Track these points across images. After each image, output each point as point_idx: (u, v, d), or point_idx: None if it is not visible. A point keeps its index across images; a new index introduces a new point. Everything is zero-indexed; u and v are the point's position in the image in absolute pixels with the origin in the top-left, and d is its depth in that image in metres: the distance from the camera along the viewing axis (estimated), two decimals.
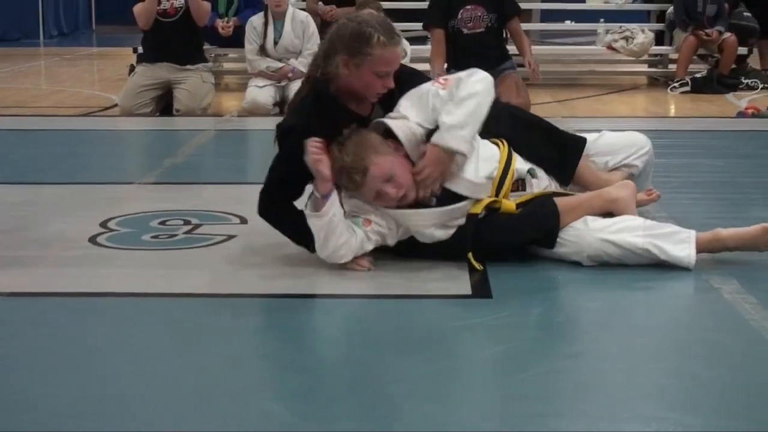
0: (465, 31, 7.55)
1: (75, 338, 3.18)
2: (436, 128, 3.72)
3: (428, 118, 3.76)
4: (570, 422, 2.55)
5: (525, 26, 11.05)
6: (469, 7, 7.48)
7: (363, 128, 3.75)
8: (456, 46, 7.58)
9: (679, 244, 3.72)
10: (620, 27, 10.46)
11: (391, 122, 3.74)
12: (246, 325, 3.32)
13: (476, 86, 3.79)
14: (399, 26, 8.74)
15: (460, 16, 7.52)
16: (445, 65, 7.61)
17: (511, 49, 7.85)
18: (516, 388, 2.76)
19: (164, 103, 8.36)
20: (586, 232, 3.75)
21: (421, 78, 3.95)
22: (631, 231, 3.73)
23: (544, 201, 3.79)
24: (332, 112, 3.74)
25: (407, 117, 3.75)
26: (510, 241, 3.78)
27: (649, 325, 3.30)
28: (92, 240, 4.26)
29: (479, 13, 7.47)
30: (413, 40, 9.69)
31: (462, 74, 3.83)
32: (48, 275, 3.82)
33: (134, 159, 6.93)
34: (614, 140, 4.30)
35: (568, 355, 3.01)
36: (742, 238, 3.80)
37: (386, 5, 8.71)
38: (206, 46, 9.18)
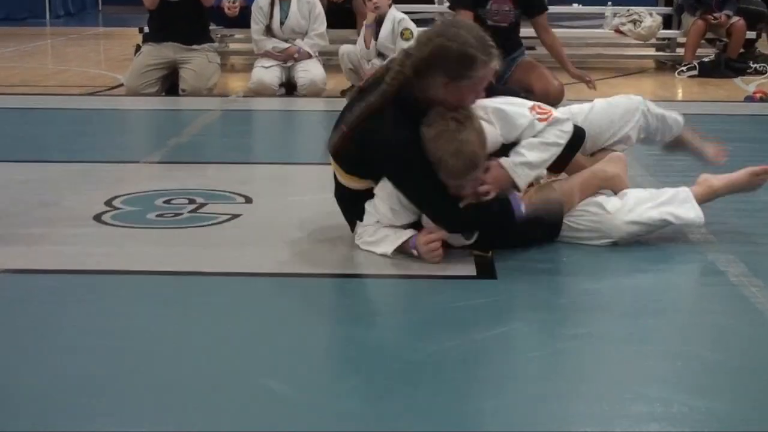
0: (489, 23, 7.52)
1: (78, 316, 3.17)
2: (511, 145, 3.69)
3: (510, 137, 3.68)
4: (572, 403, 2.55)
5: None
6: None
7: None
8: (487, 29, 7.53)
9: (683, 204, 3.83)
10: (628, 10, 10.41)
11: (486, 126, 3.64)
12: (250, 303, 3.32)
13: (563, 138, 3.71)
14: (404, 8, 8.78)
15: (488, 8, 7.48)
16: None
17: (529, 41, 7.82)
18: (519, 369, 2.76)
19: (170, 83, 8.34)
20: (607, 217, 3.75)
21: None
22: (643, 204, 3.79)
23: (548, 198, 3.78)
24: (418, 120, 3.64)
25: (493, 124, 3.67)
26: (516, 243, 3.77)
27: (654, 308, 3.29)
28: (97, 218, 4.26)
29: (506, 8, 7.44)
30: (420, 22, 9.66)
31: (558, 114, 3.74)
32: (53, 253, 3.81)
33: (139, 138, 6.92)
34: (603, 115, 4.12)
35: (572, 337, 3.00)
36: (733, 183, 4.03)
37: None
38: (212, 27, 9.16)
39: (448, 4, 10.73)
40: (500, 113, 3.67)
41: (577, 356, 2.88)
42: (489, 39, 3.60)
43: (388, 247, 3.63)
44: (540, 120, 3.67)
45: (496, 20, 7.48)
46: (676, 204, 3.84)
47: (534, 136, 3.67)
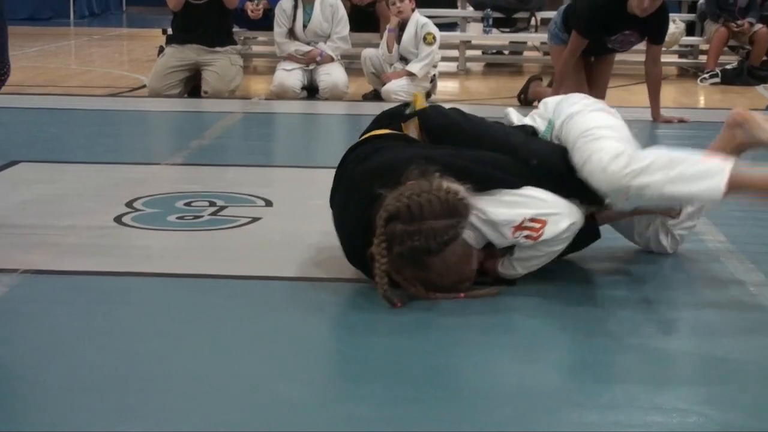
0: (610, 46, 7.52)
1: (99, 317, 3.19)
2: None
3: (497, 243, 3.39)
4: (589, 413, 2.55)
5: (552, 14, 11.06)
6: (627, 32, 7.40)
7: None
8: (588, 49, 7.56)
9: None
10: None
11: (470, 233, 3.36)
12: (270, 307, 3.32)
13: (552, 255, 3.40)
14: (427, 12, 8.79)
15: (614, 38, 7.45)
16: None
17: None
18: (525, 379, 2.75)
19: (192, 85, 8.38)
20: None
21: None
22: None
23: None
24: None
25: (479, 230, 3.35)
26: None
27: (670, 318, 3.28)
28: (118, 219, 4.28)
29: (632, 39, 7.43)
30: (443, 27, 9.68)
31: (550, 231, 3.30)
32: (73, 254, 3.83)
33: (161, 140, 6.95)
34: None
35: (591, 347, 3.00)
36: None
37: None
38: (235, 29, 9.20)
39: (470, 8, 10.81)
40: (488, 223, 3.31)
41: (591, 364, 2.87)
42: (454, 194, 3.15)
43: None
44: (527, 238, 3.29)
45: (616, 46, 7.49)
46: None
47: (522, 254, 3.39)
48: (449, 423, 2.47)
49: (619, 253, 3.87)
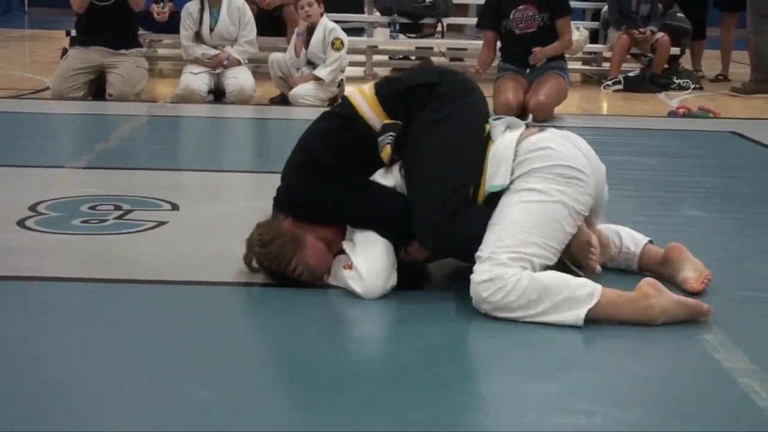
0: (517, 31, 7.61)
1: (2, 322, 3.13)
2: None
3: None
4: (497, 415, 2.57)
5: (461, 20, 11.17)
6: (521, 7, 7.52)
7: None
8: (509, 45, 7.79)
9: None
10: None
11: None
12: (175, 312, 3.30)
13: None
14: (335, 17, 8.80)
15: (511, 17, 7.57)
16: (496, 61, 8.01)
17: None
18: (443, 381, 2.77)
19: (97, 88, 8.27)
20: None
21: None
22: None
23: None
24: None
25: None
26: None
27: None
28: (20, 223, 4.21)
29: (531, 13, 7.52)
30: (350, 31, 9.68)
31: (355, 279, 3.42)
32: None
33: (65, 142, 6.84)
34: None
35: (497, 349, 3.02)
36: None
37: None
38: (141, 31, 9.10)
39: (377, 13, 10.86)
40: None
41: (503, 368, 2.90)
42: None
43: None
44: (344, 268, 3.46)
45: (522, 27, 7.58)
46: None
47: None
48: (361, 426, 2.47)
49: None
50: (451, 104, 3.47)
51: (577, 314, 3.14)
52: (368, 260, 3.39)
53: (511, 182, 3.39)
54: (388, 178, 3.52)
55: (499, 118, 3.62)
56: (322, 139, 3.55)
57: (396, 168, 3.51)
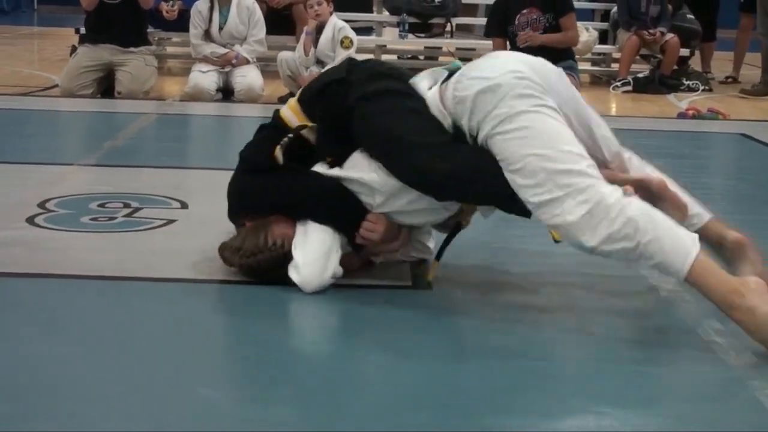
0: (519, 34, 7.61)
1: (8, 319, 3.14)
2: None
3: None
4: (505, 417, 2.57)
5: (470, 20, 11.16)
6: (525, 11, 7.53)
7: None
8: (518, 50, 7.68)
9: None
10: None
11: None
12: (186, 309, 3.30)
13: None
14: (344, 16, 8.80)
15: (516, 22, 7.57)
16: None
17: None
18: (446, 379, 2.77)
19: (106, 85, 8.28)
20: None
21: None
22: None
23: None
24: None
25: None
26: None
27: (596, 321, 3.31)
28: (30, 220, 4.21)
29: (535, 16, 7.54)
30: (359, 31, 9.69)
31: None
32: None
33: (74, 140, 6.85)
34: None
35: (502, 349, 3.02)
36: None
37: None
38: (150, 30, 9.11)
39: (386, 13, 10.86)
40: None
41: (510, 367, 2.89)
42: None
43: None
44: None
45: (524, 29, 7.56)
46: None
47: None
48: (359, 426, 2.47)
49: (543, 263, 3.89)
50: (373, 82, 3.43)
51: (685, 255, 2.93)
52: (304, 249, 3.38)
53: (474, 138, 3.22)
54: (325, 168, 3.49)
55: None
56: (253, 146, 3.66)
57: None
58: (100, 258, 3.78)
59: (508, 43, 7.83)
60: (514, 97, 3.14)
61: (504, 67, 3.23)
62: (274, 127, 3.60)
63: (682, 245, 2.97)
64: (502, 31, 7.73)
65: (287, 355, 2.96)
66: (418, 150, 3.23)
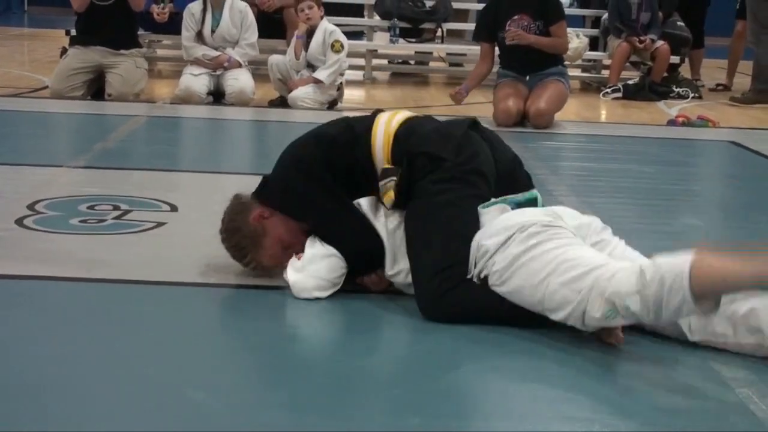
0: (509, 39, 7.60)
1: (1, 321, 3.13)
2: None
3: None
4: (497, 422, 2.57)
5: (460, 26, 11.16)
6: (515, 17, 7.51)
7: None
8: (507, 55, 7.77)
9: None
10: None
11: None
12: (173, 312, 3.30)
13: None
14: (335, 20, 8.80)
15: (507, 28, 7.56)
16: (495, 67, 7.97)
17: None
18: (443, 387, 2.77)
19: (96, 87, 8.26)
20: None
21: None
22: None
23: None
24: None
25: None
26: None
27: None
28: (19, 222, 4.20)
29: (525, 23, 7.51)
30: (350, 35, 9.68)
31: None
32: None
33: (64, 142, 6.84)
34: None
35: (500, 355, 3.02)
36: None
37: None
38: (140, 32, 9.10)
39: (377, 17, 10.86)
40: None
41: (502, 374, 2.89)
42: None
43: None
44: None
45: (519, 40, 7.55)
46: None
47: None
48: (358, 428, 2.47)
49: None
50: (453, 181, 3.39)
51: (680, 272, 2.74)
52: (315, 262, 3.40)
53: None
54: (375, 214, 3.50)
55: (492, 204, 3.39)
56: (324, 146, 3.55)
57: (383, 211, 3.49)
58: (88, 260, 3.77)
59: (497, 47, 7.81)
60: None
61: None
62: (357, 135, 3.53)
63: (674, 269, 2.78)
64: (491, 35, 7.72)
65: (279, 357, 2.95)
66: (434, 271, 3.24)
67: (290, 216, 3.52)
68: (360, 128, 3.57)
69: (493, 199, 3.38)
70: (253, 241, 3.53)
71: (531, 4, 7.50)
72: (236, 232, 3.56)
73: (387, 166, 3.48)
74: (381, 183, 3.46)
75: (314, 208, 3.50)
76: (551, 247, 3.07)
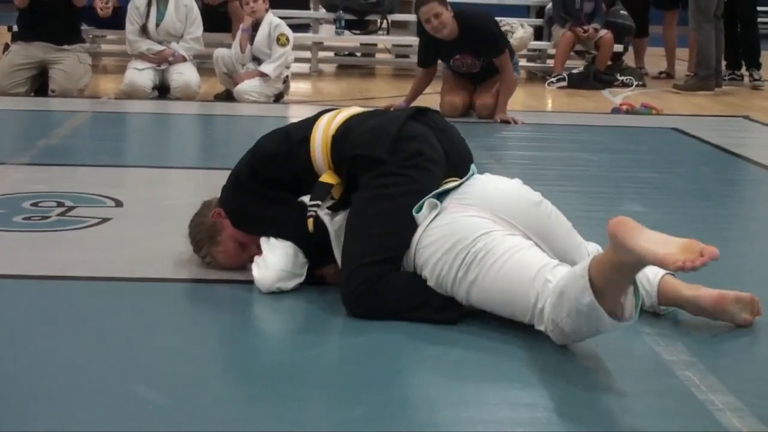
0: (461, 71, 7.57)
1: None
2: None
3: None
4: (440, 409, 2.59)
5: (405, 17, 11.17)
6: (457, 56, 7.45)
7: None
8: (454, 74, 7.71)
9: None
10: (500, 21, 10.57)
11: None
12: (118, 308, 3.28)
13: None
14: (281, 13, 8.79)
15: (452, 63, 7.53)
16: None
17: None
18: (386, 376, 2.78)
19: (39, 83, 8.20)
20: None
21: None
22: None
23: None
24: None
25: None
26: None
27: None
28: None
29: (469, 60, 7.46)
30: (296, 28, 9.68)
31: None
32: None
33: (7, 139, 6.77)
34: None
35: (440, 343, 3.03)
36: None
37: None
38: (84, 27, 9.04)
39: (323, 10, 10.85)
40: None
41: (443, 363, 2.91)
42: None
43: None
44: None
45: (465, 70, 7.54)
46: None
47: None
48: (305, 421, 2.48)
49: None
50: (391, 177, 3.35)
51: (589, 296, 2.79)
52: (275, 254, 3.41)
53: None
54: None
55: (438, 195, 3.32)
56: (263, 162, 3.53)
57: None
58: (32, 257, 3.75)
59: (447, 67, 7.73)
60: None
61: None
62: (297, 143, 3.49)
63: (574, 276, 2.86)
64: (435, 64, 7.64)
65: (226, 351, 2.96)
66: (363, 268, 3.22)
67: (239, 230, 3.55)
68: (298, 136, 3.52)
69: (427, 197, 3.31)
70: (210, 236, 3.57)
71: (470, 46, 7.41)
72: (197, 226, 3.62)
73: (325, 177, 3.46)
74: (308, 205, 3.42)
75: (255, 221, 3.51)
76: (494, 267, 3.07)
